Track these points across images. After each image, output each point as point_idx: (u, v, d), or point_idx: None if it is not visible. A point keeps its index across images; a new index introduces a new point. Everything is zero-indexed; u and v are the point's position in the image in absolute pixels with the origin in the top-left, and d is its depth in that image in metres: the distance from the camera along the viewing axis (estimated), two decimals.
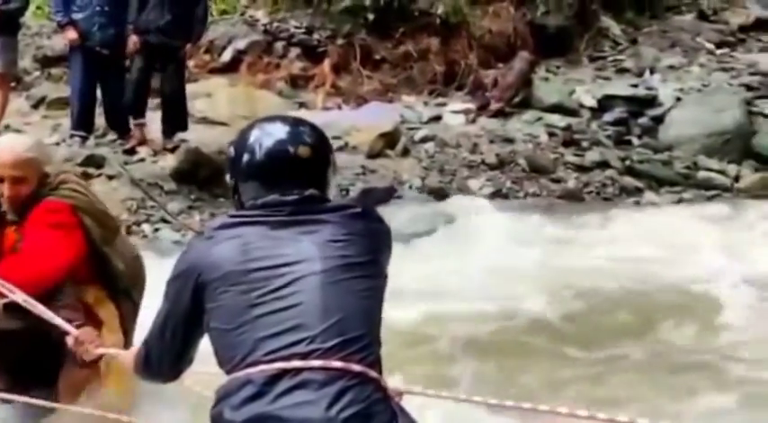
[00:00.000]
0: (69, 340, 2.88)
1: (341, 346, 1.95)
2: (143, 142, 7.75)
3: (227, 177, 2.23)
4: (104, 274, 3.36)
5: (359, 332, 1.99)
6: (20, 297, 2.96)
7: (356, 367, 1.93)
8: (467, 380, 4.50)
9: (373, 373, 1.97)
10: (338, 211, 2.13)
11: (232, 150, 2.21)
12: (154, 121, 7.93)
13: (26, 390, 3.02)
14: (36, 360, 3.15)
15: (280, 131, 2.18)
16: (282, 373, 1.92)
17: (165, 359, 2.25)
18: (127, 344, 3.23)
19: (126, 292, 3.42)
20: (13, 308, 3.01)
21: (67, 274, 3.20)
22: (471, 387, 4.30)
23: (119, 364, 3.16)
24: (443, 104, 9.82)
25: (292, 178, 2.13)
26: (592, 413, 2.12)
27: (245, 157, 2.16)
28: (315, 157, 2.16)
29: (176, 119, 7.82)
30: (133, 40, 7.46)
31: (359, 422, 1.89)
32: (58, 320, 2.90)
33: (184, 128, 7.87)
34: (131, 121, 7.84)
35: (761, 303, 5.81)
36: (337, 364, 1.92)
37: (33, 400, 2.93)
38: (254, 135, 2.18)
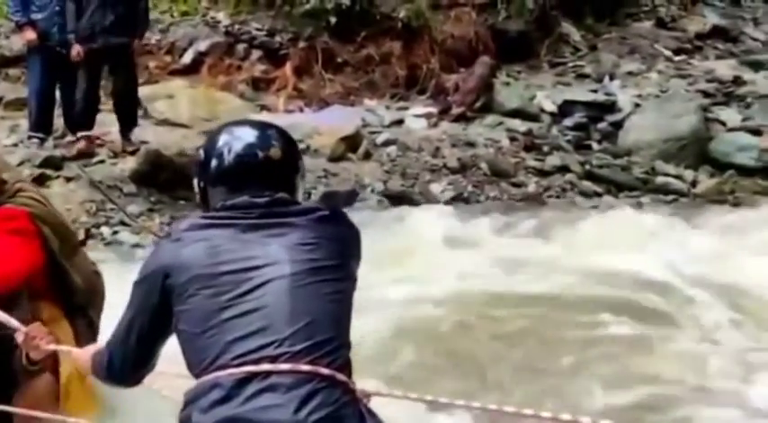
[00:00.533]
0: (19, 337, 2.80)
1: (309, 350, 1.95)
2: (87, 153, 7.58)
3: (195, 181, 2.23)
4: (61, 289, 3.25)
5: (327, 335, 2.00)
6: None
7: (324, 370, 1.94)
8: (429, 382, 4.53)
9: (341, 377, 1.97)
10: (307, 214, 2.13)
11: (202, 154, 2.21)
12: (113, 123, 7.85)
13: None
14: None
15: (249, 135, 2.18)
16: (251, 377, 1.92)
17: (128, 363, 2.22)
18: None
19: (82, 309, 3.31)
20: None
21: (25, 280, 3.10)
22: (437, 389, 4.32)
23: (78, 387, 3.15)
24: (405, 108, 9.85)
25: (261, 181, 2.14)
26: (555, 414, 2.17)
27: (215, 162, 2.16)
28: (284, 161, 2.17)
29: (130, 116, 7.77)
30: (77, 50, 7.27)
31: None
32: (3, 316, 2.83)
33: (134, 123, 7.84)
34: (78, 133, 7.65)
35: (713, 304, 5.90)
36: (305, 367, 1.93)
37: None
38: (223, 139, 2.18)
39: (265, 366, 1.92)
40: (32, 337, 2.79)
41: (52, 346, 2.79)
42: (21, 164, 7.24)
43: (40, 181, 7.04)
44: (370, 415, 2.01)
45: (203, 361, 1.99)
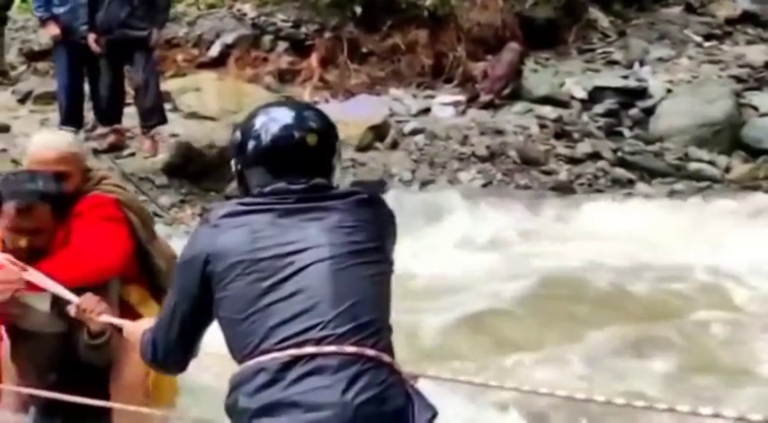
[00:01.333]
0: (72, 309, 2.80)
1: (354, 332, 1.95)
2: (118, 146, 7.56)
3: (233, 163, 2.21)
4: (147, 273, 3.27)
5: (370, 317, 1.99)
6: (35, 276, 2.86)
7: (369, 352, 1.94)
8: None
9: (387, 358, 1.97)
10: (345, 197, 2.12)
11: (238, 135, 2.18)
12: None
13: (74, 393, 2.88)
14: (83, 365, 3.03)
15: (287, 117, 2.15)
16: (296, 360, 1.91)
17: (171, 350, 2.21)
18: None
19: (165, 291, 3.33)
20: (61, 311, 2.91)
21: (123, 266, 3.12)
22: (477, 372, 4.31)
23: (163, 382, 3.11)
24: (432, 97, 9.79)
25: (298, 165, 2.11)
26: (589, 396, 2.15)
27: (252, 143, 2.14)
28: (321, 144, 2.14)
29: (152, 112, 7.51)
30: (92, 41, 7.22)
31: (374, 406, 1.90)
32: (59, 289, 2.82)
33: (163, 120, 7.62)
34: (105, 128, 7.63)
35: (752, 292, 5.82)
36: (350, 349, 1.92)
37: (85, 400, 2.79)
38: (260, 120, 2.15)
39: (309, 349, 1.91)
40: (83, 309, 2.79)
41: (104, 318, 2.78)
42: None
43: None
44: (417, 396, 2.00)
45: (247, 346, 1.99)
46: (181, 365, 2.28)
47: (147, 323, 2.41)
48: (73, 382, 2.95)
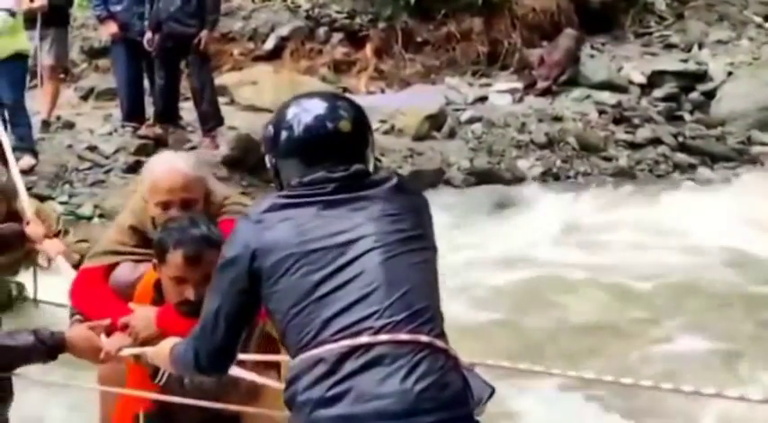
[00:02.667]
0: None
1: (408, 320, 1.94)
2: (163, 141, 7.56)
3: (267, 157, 2.18)
4: None
5: (423, 304, 1.98)
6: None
7: (424, 338, 1.93)
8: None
9: (441, 343, 1.96)
10: (382, 184, 2.09)
11: (270, 129, 2.15)
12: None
13: None
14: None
15: (318, 107, 2.12)
16: (353, 350, 1.91)
17: (217, 354, 2.17)
18: None
19: None
20: None
21: None
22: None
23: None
24: (488, 85, 9.74)
25: (333, 154, 2.08)
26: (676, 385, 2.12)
27: (284, 135, 2.11)
28: (354, 132, 2.12)
29: (208, 116, 7.63)
30: (147, 38, 7.32)
31: (434, 392, 1.89)
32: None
33: (219, 123, 7.71)
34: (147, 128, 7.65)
35: None
36: (405, 336, 1.91)
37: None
38: (292, 111, 2.12)
39: (365, 339, 1.91)
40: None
41: (127, 351, 2.65)
42: (116, 152, 7.41)
43: (136, 168, 7.17)
44: (473, 377, 2.00)
45: (302, 339, 1.97)
46: (224, 369, 2.25)
47: (167, 343, 2.38)
48: None
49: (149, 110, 7.82)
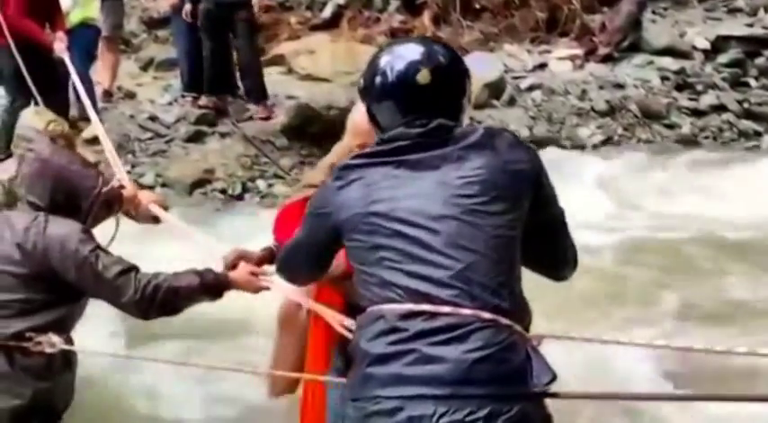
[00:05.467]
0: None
1: (469, 293, 1.93)
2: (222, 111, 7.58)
3: (365, 106, 2.19)
4: None
5: (489, 277, 1.95)
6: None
7: (486, 314, 1.91)
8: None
9: (504, 320, 1.92)
10: (462, 140, 2.02)
11: (361, 81, 2.17)
12: None
13: None
14: None
15: (404, 53, 2.10)
16: (414, 314, 1.93)
17: (297, 273, 2.44)
18: None
19: None
20: None
21: None
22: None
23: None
24: (548, 52, 9.59)
25: (413, 105, 2.07)
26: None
27: (374, 79, 2.11)
28: (437, 83, 2.07)
29: (253, 91, 7.63)
30: (185, 11, 7.33)
31: (490, 365, 1.88)
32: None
33: (264, 98, 7.67)
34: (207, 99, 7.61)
35: None
36: (466, 311, 1.91)
37: None
38: (383, 56, 2.13)
39: (426, 306, 1.92)
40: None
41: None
42: (177, 121, 7.49)
43: (197, 137, 7.25)
44: (537, 358, 1.96)
45: (366, 294, 2.03)
46: (299, 281, 2.55)
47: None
48: None
49: None
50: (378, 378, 1.93)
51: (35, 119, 3.98)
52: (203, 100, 7.62)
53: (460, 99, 2.12)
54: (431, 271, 1.94)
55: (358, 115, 2.87)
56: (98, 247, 2.72)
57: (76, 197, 2.83)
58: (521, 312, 2.00)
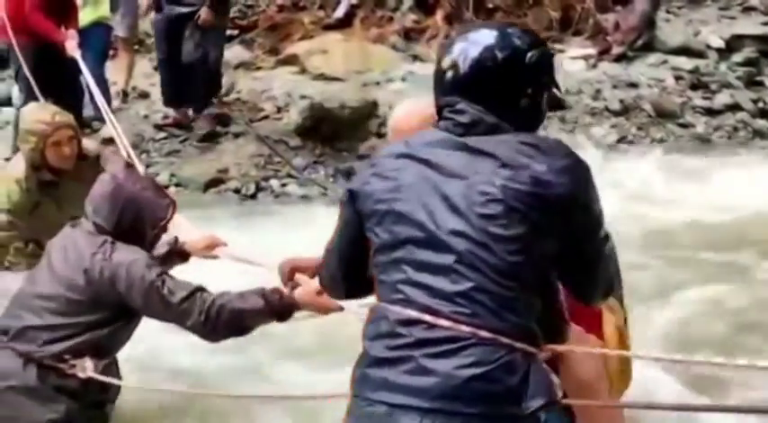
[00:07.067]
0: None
1: (471, 311, 1.86)
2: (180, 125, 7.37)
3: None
4: None
5: (494, 298, 1.86)
6: None
7: (485, 334, 1.85)
8: None
9: (505, 340, 1.85)
10: (506, 147, 1.91)
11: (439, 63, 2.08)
12: None
13: None
14: None
15: (468, 40, 2.02)
16: (414, 322, 1.90)
17: (333, 276, 2.26)
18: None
19: None
20: None
21: None
22: None
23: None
24: (561, 51, 9.55)
25: (450, 93, 2.00)
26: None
27: (439, 66, 2.05)
28: (474, 72, 1.98)
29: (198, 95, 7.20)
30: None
31: (481, 383, 1.83)
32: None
33: (200, 108, 7.29)
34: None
35: None
36: (466, 329, 1.85)
37: None
38: (456, 43, 2.05)
39: (428, 317, 1.88)
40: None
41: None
42: (191, 122, 7.49)
43: (211, 137, 7.27)
44: (538, 377, 1.88)
45: (378, 290, 2.01)
46: (341, 294, 2.32)
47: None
48: None
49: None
50: (371, 380, 1.92)
51: (40, 112, 4.04)
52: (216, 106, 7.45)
53: (520, 90, 1.99)
54: (437, 283, 1.90)
55: (397, 114, 2.89)
56: (164, 272, 2.71)
57: (143, 225, 2.81)
58: (527, 333, 1.91)
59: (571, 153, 1.97)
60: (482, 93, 1.97)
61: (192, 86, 7.09)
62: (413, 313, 1.89)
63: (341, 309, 2.70)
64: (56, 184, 3.95)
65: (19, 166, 4.01)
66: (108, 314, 2.71)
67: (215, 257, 3.21)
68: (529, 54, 2.00)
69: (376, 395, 1.90)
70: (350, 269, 2.17)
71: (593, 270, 2.02)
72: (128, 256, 2.70)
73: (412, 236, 1.94)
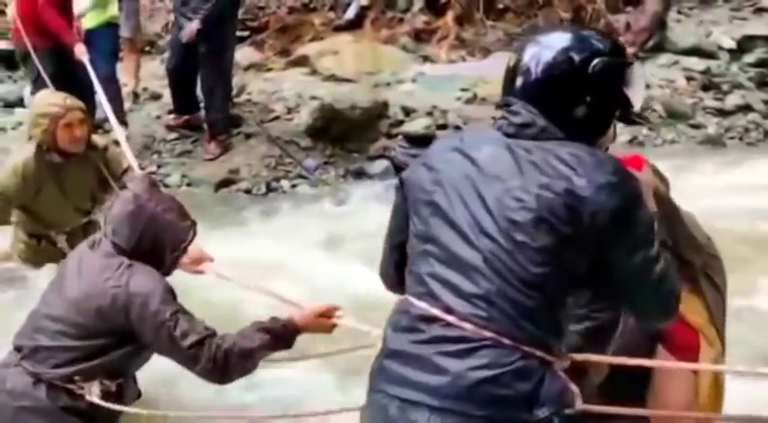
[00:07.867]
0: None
1: (489, 315, 1.85)
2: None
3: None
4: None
5: (514, 306, 1.85)
6: None
7: (505, 341, 1.84)
8: None
9: (526, 348, 1.84)
10: (553, 155, 1.87)
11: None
12: None
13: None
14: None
15: (545, 42, 1.99)
16: (434, 319, 1.90)
17: (387, 266, 2.21)
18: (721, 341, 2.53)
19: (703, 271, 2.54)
20: None
21: None
22: None
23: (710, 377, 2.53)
24: None
25: (522, 95, 1.95)
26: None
27: (509, 64, 2.03)
28: (522, 68, 1.95)
29: (216, 122, 7.16)
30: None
31: (491, 386, 1.82)
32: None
33: (226, 127, 7.27)
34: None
35: None
36: (488, 334, 1.84)
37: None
38: (528, 45, 2.02)
39: (449, 317, 1.88)
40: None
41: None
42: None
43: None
44: (553, 384, 1.86)
45: (407, 279, 2.01)
46: (392, 284, 2.22)
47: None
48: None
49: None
50: (388, 373, 1.93)
51: (52, 96, 4.12)
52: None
53: (581, 98, 1.93)
54: (461, 282, 1.89)
55: None
56: (178, 310, 2.62)
57: (162, 247, 2.74)
58: (543, 344, 1.88)
59: (619, 171, 1.88)
60: (538, 95, 1.94)
61: (211, 112, 7.09)
62: (432, 311, 1.90)
63: (334, 326, 2.72)
64: (62, 166, 4.02)
65: (19, 155, 4.07)
66: (119, 339, 2.66)
67: (200, 273, 3.15)
68: (594, 61, 1.93)
69: (390, 389, 1.91)
70: (401, 258, 2.10)
71: (636, 290, 1.94)
72: (145, 285, 2.62)
73: (444, 231, 1.94)
